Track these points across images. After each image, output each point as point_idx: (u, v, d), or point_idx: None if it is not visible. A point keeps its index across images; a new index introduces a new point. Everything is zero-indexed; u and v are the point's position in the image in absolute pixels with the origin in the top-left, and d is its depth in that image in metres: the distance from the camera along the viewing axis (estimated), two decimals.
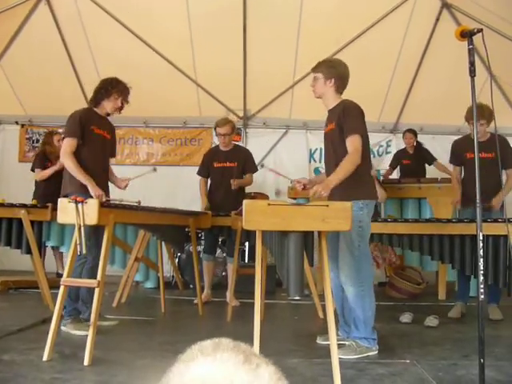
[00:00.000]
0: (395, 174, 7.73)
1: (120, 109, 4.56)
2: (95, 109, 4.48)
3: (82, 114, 4.38)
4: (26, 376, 3.04)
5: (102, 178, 4.48)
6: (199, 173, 6.09)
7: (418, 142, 7.49)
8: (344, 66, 3.94)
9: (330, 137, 3.92)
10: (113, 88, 4.45)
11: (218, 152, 6.03)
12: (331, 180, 3.55)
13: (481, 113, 4.79)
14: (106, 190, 4.47)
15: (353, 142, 3.67)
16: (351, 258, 3.72)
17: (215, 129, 5.96)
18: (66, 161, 4.21)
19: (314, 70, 3.97)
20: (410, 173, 7.28)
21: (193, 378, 0.70)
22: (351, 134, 3.69)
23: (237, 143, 6.58)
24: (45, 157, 6.63)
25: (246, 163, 5.93)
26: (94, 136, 4.39)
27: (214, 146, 7.04)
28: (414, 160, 7.40)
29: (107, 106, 4.48)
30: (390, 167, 7.67)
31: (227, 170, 5.88)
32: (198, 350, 0.76)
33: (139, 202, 4.43)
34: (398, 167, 7.68)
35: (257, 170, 6.15)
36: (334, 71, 3.88)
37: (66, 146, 4.23)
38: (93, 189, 4.17)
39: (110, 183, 4.68)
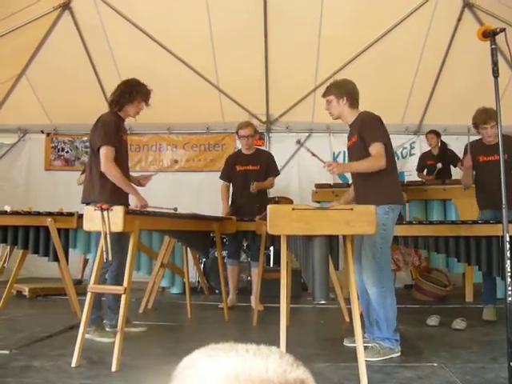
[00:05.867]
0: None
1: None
2: (119, 113, 4.40)
3: (114, 120, 4.30)
4: (55, 382, 3.08)
5: None
6: (221, 177, 6.12)
7: (442, 142, 7.43)
8: (351, 83, 4.07)
9: (354, 150, 4.02)
10: (137, 93, 4.37)
11: (241, 155, 6.04)
12: (349, 164, 3.72)
13: (490, 115, 4.78)
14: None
15: (375, 149, 3.77)
16: (373, 260, 3.77)
17: (237, 132, 5.97)
18: (112, 170, 4.11)
19: (325, 94, 4.10)
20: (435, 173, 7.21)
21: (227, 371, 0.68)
22: (372, 142, 3.79)
23: (259, 147, 6.60)
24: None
25: (268, 166, 5.94)
26: (122, 143, 4.36)
27: (236, 150, 7.06)
28: (439, 160, 7.32)
29: (131, 110, 4.41)
30: (418, 171, 7.61)
31: (250, 173, 5.88)
32: (215, 349, 0.74)
33: (176, 209, 4.64)
34: (425, 169, 7.59)
35: (279, 173, 6.16)
36: (344, 90, 4.00)
37: (108, 155, 4.12)
38: (138, 198, 4.28)
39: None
